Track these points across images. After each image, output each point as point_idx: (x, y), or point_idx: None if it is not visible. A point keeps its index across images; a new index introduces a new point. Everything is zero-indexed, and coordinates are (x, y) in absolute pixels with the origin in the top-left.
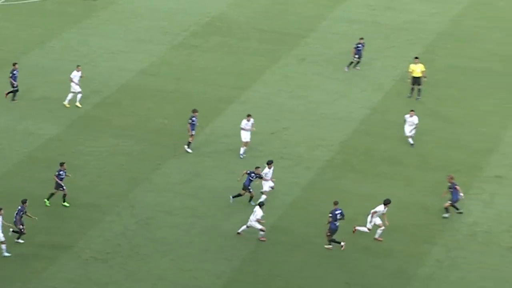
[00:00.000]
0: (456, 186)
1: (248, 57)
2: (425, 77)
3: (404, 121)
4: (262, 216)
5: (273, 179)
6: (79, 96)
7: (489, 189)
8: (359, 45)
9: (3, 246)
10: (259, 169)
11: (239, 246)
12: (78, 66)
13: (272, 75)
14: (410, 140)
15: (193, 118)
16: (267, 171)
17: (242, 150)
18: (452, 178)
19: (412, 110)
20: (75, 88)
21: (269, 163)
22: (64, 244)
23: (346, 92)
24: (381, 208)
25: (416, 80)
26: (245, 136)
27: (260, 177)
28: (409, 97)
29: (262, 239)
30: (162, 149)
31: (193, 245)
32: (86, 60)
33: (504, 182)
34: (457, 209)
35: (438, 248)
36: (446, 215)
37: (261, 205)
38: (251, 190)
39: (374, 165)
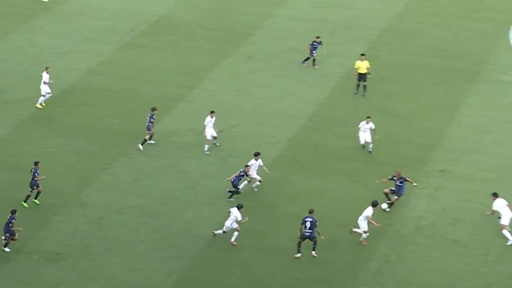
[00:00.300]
0: (407, 179)
1: (195, 55)
2: (369, 73)
3: (359, 128)
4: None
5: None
6: (41, 98)
7: (434, 183)
8: (315, 43)
9: None
10: (249, 167)
11: (189, 244)
12: (47, 68)
13: (220, 74)
14: (370, 147)
15: (152, 116)
16: (253, 163)
17: (206, 147)
18: (399, 174)
19: (368, 117)
20: (45, 89)
21: (256, 155)
22: (15, 245)
23: (293, 89)
24: (370, 211)
25: (361, 77)
26: (209, 133)
27: (247, 175)
28: (355, 93)
29: (234, 242)
30: (112, 148)
31: (143, 244)
32: (33, 61)
33: (447, 176)
34: (389, 200)
35: (386, 242)
36: (385, 207)
37: (239, 207)
38: (239, 188)
39: (322, 161)
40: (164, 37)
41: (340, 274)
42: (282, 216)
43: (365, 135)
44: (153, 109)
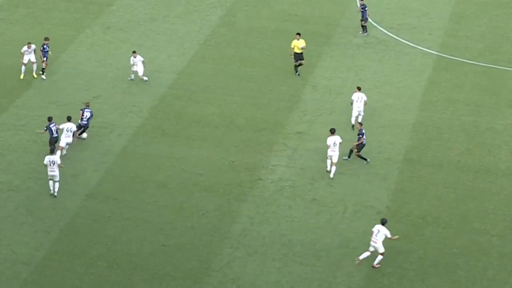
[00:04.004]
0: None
1: (55, 27)
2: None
3: (351, 102)
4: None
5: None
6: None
7: (292, 145)
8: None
9: None
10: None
11: (57, 217)
12: (29, 43)
13: (79, 45)
14: (359, 119)
15: (45, 46)
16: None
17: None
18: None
19: (358, 87)
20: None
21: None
22: None
23: (153, 58)
24: (386, 229)
25: (298, 56)
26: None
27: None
28: (298, 75)
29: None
30: None
31: (10, 219)
32: None
33: (304, 137)
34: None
35: (249, 205)
36: (346, 157)
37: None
38: None
39: (184, 128)
40: (22, 10)
41: (206, 239)
42: (148, 185)
43: (357, 109)
44: (46, 39)
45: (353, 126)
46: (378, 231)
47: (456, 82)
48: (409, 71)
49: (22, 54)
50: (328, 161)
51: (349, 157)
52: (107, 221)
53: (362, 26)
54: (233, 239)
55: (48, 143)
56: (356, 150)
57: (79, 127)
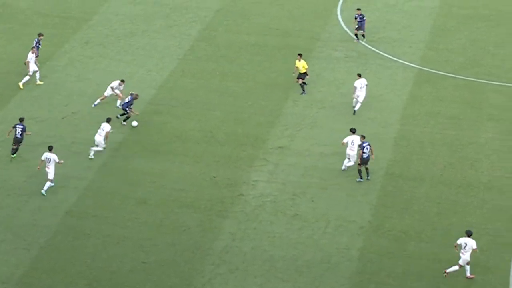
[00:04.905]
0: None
1: (32, 43)
2: (307, 74)
3: (354, 90)
4: None
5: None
6: (37, 75)
7: (273, 160)
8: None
9: None
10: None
11: (37, 234)
12: (32, 47)
13: (58, 60)
14: (357, 106)
15: (37, 41)
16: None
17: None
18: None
19: (359, 74)
20: (33, 68)
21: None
22: None
23: (132, 73)
24: (473, 241)
25: (300, 76)
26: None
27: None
28: (303, 94)
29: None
30: None
31: None
32: None
33: (286, 152)
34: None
35: (230, 221)
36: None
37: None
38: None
39: (165, 144)
40: (0, 25)
41: (187, 256)
42: (128, 201)
43: (362, 93)
44: (40, 35)
45: (354, 112)
46: (466, 244)
47: (437, 96)
48: (390, 85)
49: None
50: (346, 160)
51: (361, 178)
52: (87, 238)
53: (356, 35)
54: (215, 256)
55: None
56: (358, 163)
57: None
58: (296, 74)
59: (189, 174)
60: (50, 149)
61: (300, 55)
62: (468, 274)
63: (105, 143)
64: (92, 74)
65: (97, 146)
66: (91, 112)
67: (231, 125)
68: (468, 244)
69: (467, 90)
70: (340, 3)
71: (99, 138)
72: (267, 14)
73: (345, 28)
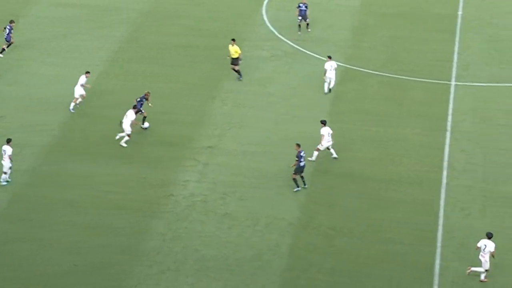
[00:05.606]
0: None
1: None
2: (240, 59)
3: (324, 72)
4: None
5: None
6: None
7: (203, 160)
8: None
9: None
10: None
11: None
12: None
13: None
14: (331, 84)
15: (8, 27)
16: None
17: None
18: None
19: (329, 56)
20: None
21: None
22: None
23: (63, 76)
24: (492, 244)
25: (234, 61)
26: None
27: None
28: (240, 79)
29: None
30: None
31: None
32: None
33: (215, 152)
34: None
35: (160, 221)
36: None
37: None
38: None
39: (93, 146)
40: None
41: (117, 257)
42: (58, 204)
43: (331, 73)
44: (11, 22)
45: (329, 91)
46: (485, 245)
47: (362, 93)
48: (316, 83)
49: None
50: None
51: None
52: (17, 242)
53: (299, 25)
54: (145, 257)
55: None
56: (293, 172)
57: None
58: (229, 59)
59: (118, 176)
60: (8, 141)
61: (233, 40)
62: (482, 277)
63: (130, 130)
64: (20, 78)
65: (124, 132)
66: (19, 116)
67: (159, 126)
68: (488, 246)
69: (391, 87)
70: (265, 3)
71: (125, 125)
72: (194, 16)
73: (271, 28)
